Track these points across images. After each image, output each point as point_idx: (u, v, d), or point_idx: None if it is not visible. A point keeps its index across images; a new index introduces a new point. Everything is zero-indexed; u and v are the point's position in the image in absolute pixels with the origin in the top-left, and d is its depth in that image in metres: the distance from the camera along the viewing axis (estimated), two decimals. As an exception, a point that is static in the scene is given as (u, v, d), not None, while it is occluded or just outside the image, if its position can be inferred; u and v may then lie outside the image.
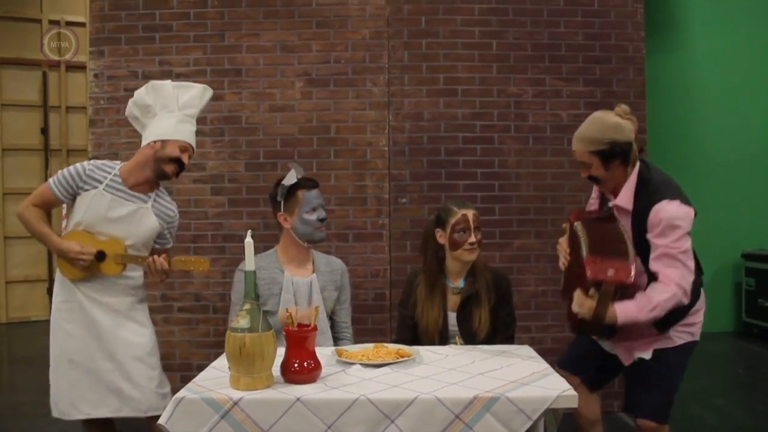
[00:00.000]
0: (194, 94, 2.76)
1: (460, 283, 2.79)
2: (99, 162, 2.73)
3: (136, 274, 2.75)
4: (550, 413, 2.03)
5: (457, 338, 2.74)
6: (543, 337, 3.93)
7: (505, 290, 2.81)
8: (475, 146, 3.96)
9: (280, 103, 3.97)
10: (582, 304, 2.35)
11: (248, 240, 2.10)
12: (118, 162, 2.76)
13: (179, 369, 3.89)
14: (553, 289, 3.94)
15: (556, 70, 3.97)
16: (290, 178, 2.80)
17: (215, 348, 3.85)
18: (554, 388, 1.99)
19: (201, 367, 2.49)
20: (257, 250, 2.21)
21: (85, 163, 2.70)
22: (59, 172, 2.68)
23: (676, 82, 6.27)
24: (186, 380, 2.33)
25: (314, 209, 2.80)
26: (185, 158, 2.70)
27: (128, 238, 2.66)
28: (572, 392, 1.96)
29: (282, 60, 3.97)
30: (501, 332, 2.76)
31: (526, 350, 2.52)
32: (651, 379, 2.51)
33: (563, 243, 2.62)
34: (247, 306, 2.05)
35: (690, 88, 6.30)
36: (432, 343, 2.72)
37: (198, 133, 3.90)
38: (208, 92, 2.82)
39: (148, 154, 2.68)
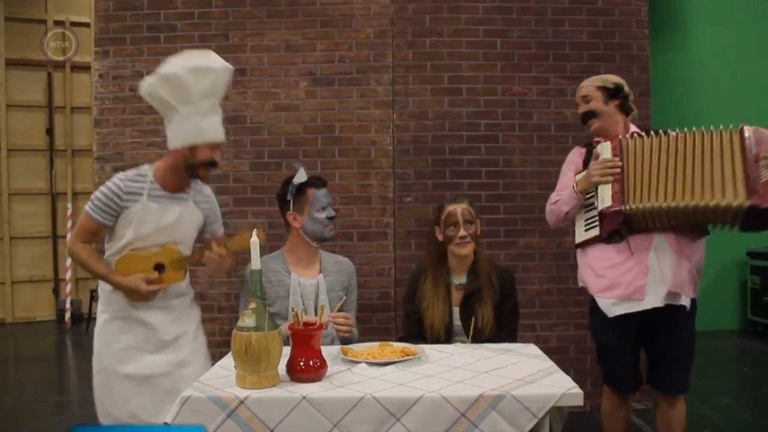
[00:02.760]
0: (214, 80, 2.49)
1: (462, 278, 2.80)
2: (129, 173, 2.58)
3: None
4: (556, 411, 2.03)
5: (459, 342, 2.74)
6: (548, 335, 3.93)
7: (509, 285, 2.83)
8: (479, 145, 3.96)
9: (285, 102, 3.97)
10: None
11: (254, 239, 2.11)
12: (147, 167, 2.62)
13: (185, 368, 3.89)
14: (558, 288, 3.94)
15: (560, 68, 3.97)
16: (300, 177, 2.81)
17: (221, 347, 3.84)
18: (559, 386, 1.99)
19: (207, 366, 2.51)
20: (262, 250, 2.21)
21: (116, 179, 2.55)
22: (93, 196, 2.54)
23: (680, 81, 6.26)
24: (192, 379, 2.33)
25: (324, 208, 2.82)
26: (218, 156, 2.55)
27: (180, 241, 2.60)
28: (577, 390, 1.96)
29: (286, 59, 3.97)
30: (504, 326, 2.77)
31: (532, 348, 2.52)
32: (674, 358, 2.67)
33: (602, 160, 2.62)
34: (253, 305, 2.06)
35: (694, 86, 6.28)
36: (438, 338, 2.73)
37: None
38: (229, 71, 2.54)
39: (178, 161, 2.54)
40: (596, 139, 2.74)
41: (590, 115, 2.73)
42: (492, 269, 2.82)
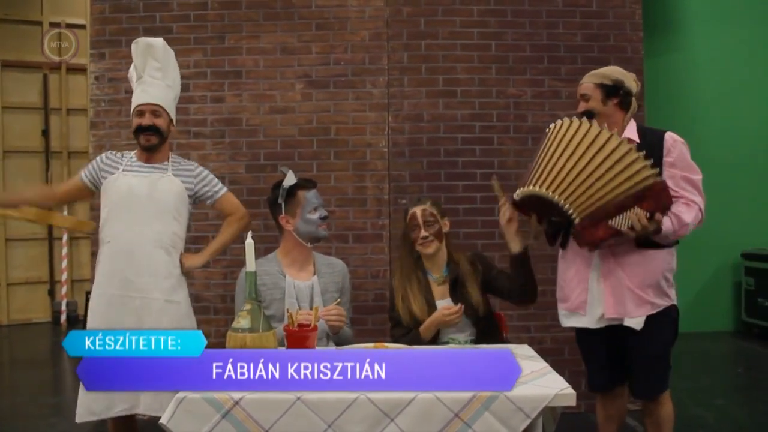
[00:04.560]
0: (136, 54, 2.87)
1: (443, 272, 2.85)
2: (117, 153, 2.89)
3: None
4: (549, 411, 2.04)
5: (453, 342, 2.75)
6: (543, 336, 3.94)
7: (482, 260, 2.92)
8: (474, 147, 3.97)
9: (281, 104, 3.98)
10: (642, 218, 2.44)
11: (249, 241, 2.12)
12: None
13: (180, 370, 3.90)
14: (553, 289, 3.92)
15: (555, 71, 3.98)
16: (289, 180, 2.82)
17: (216, 348, 3.85)
18: (552, 386, 2.00)
19: (202, 368, 2.51)
20: (257, 252, 2.22)
21: (104, 153, 2.88)
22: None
23: (674, 83, 6.28)
24: (187, 380, 2.34)
25: (315, 209, 2.83)
26: (145, 120, 2.78)
27: (163, 210, 2.75)
28: (570, 391, 1.97)
29: (282, 62, 3.98)
30: (508, 287, 2.83)
31: (525, 350, 2.53)
32: (647, 365, 2.62)
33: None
34: (247, 306, 2.07)
35: (688, 89, 6.31)
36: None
37: (198, 135, 3.98)
38: (141, 45, 2.88)
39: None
40: None
41: (588, 115, 2.67)
42: (463, 256, 2.90)
